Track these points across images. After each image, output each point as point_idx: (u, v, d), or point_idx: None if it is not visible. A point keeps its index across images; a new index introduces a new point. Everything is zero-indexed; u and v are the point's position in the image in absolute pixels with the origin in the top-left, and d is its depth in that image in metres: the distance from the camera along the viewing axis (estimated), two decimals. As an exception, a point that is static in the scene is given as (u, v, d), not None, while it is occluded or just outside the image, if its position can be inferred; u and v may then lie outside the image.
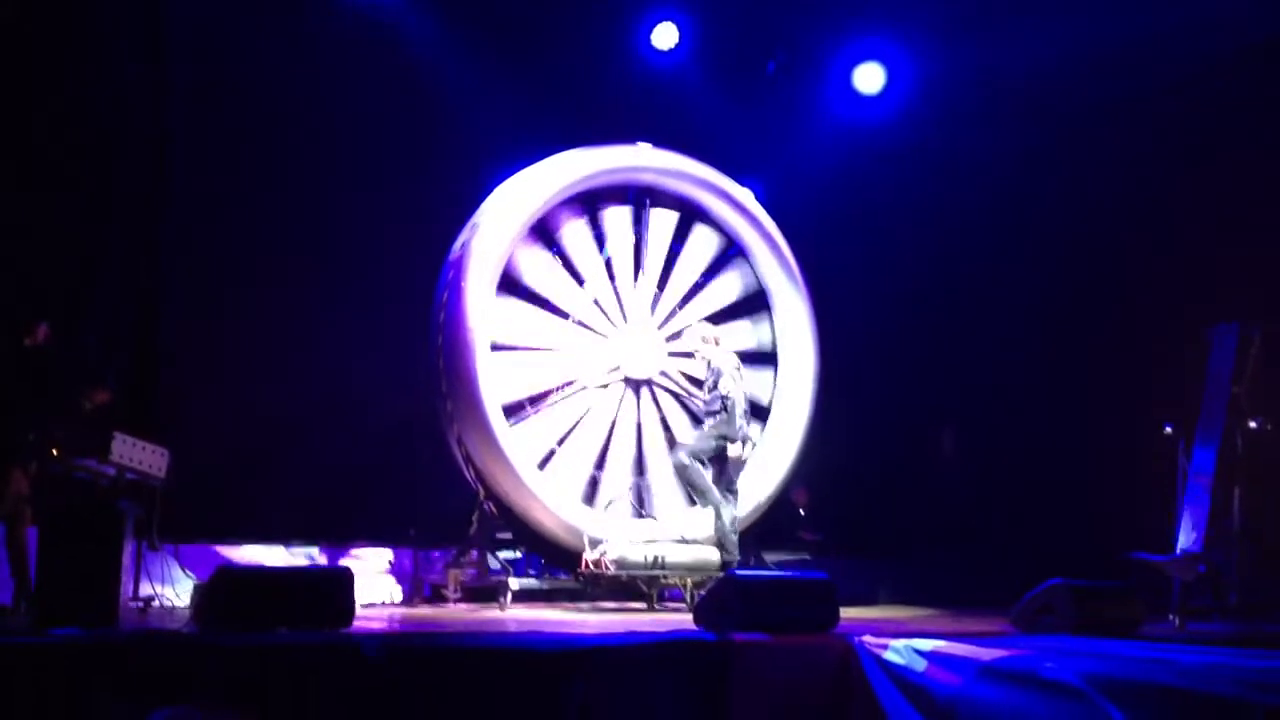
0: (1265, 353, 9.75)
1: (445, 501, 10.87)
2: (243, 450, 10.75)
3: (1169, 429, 9.88)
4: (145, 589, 9.08)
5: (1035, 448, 12.72)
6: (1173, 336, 10.88)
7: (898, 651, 6.68)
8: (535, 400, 10.62)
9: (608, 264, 11.00)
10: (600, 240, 10.99)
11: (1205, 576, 9.39)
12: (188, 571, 9.46)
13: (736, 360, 10.03)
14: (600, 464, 10.80)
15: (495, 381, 10.19)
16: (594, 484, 10.76)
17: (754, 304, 11.53)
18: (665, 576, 10.13)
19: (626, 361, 10.88)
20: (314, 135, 11.35)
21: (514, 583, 10.18)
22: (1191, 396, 9.93)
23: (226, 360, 10.95)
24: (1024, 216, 13.19)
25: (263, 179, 11.19)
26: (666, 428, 11.10)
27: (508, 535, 10.58)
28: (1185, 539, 9.52)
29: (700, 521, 10.45)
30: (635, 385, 11.00)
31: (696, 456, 9.93)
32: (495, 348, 10.30)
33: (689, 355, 10.79)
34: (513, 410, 10.42)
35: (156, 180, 10.94)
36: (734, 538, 9.95)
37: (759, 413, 11.13)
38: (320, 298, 11.20)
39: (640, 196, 11.19)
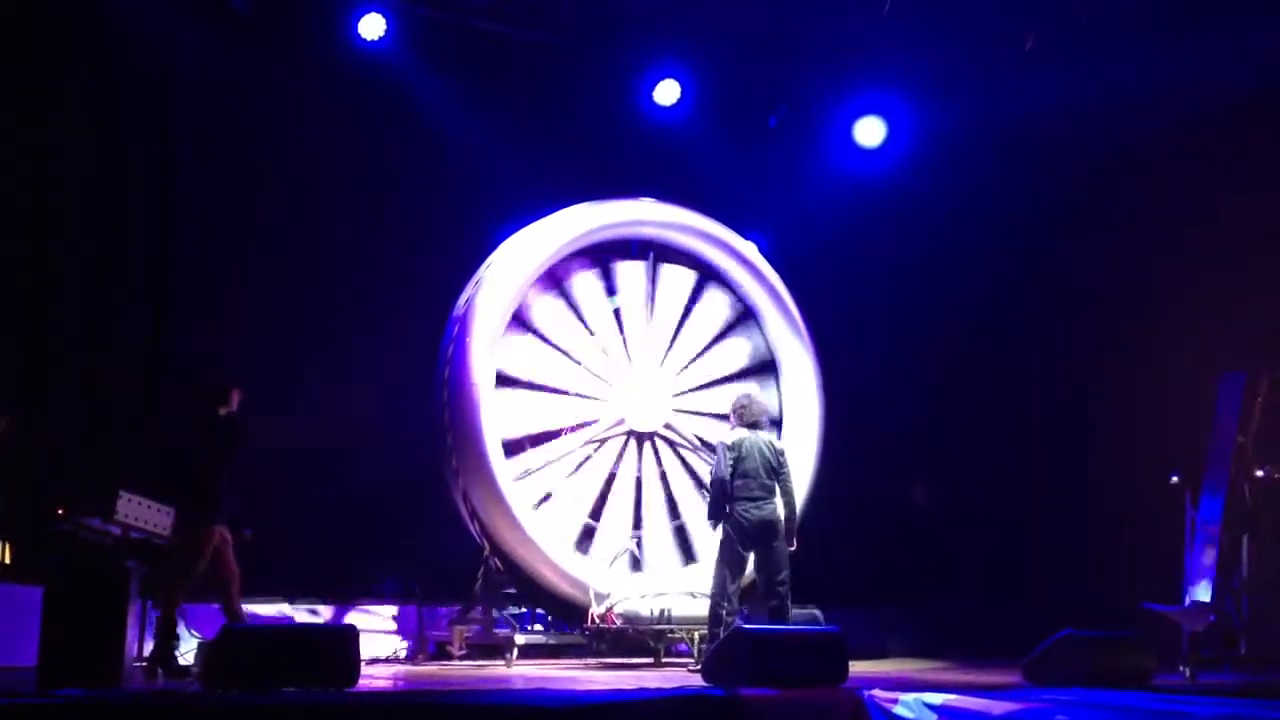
0: (1271, 400, 9.75)
1: (450, 558, 10.83)
2: (247, 508, 10.70)
3: (1175, 479, 9.87)
4: (150, 649, 9.01)
5: (1045, 498, 12.71)
6: (1179, 385, 10.88)
7: (908, 706, 6.64)
8: (541, 452, 10.63)
9: (608, 317, 11.04)
10: (577, 309, 10.99)
11: (1215, 626, 9.34)
12: (193, 631, 9.39)
13: (740, 436, 9.49)
14: (596, 515, 10.80)
15: (501, 436, 10.20)
16: (590, 533, 10.75)
17: (761, 360, 11.54)
18: (672, 631, 10.08)
19: (630, 414, 10.88)
20: (319, 192, 11.43)
21: (520, 638, 10.13)
22: (1198, 446, 9.92)
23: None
24: (1027, 266, 13.25)
25: (268, 234, 11.24)
26: (693, 475, 11.13)
27: (513, 590, 10.54)
28: (1194, 589, 9.48)
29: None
30: (640, 438, 10.98)
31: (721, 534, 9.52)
32: (501, 398, 10.32)
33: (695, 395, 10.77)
34: (519, 464, 10.43)
35: (162, 237, 11.00)
36: (719, 614, 9.25)
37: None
38: (324, 355, 11.23)
39: (643, 250, 11.24)
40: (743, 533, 9.21)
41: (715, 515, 9.35)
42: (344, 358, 11.26)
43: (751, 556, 9.35)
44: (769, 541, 9.28)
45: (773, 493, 9.40)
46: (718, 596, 9.23)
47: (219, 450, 8.74)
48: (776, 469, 9.42)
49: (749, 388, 11.31)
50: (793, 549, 9.40)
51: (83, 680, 6.77)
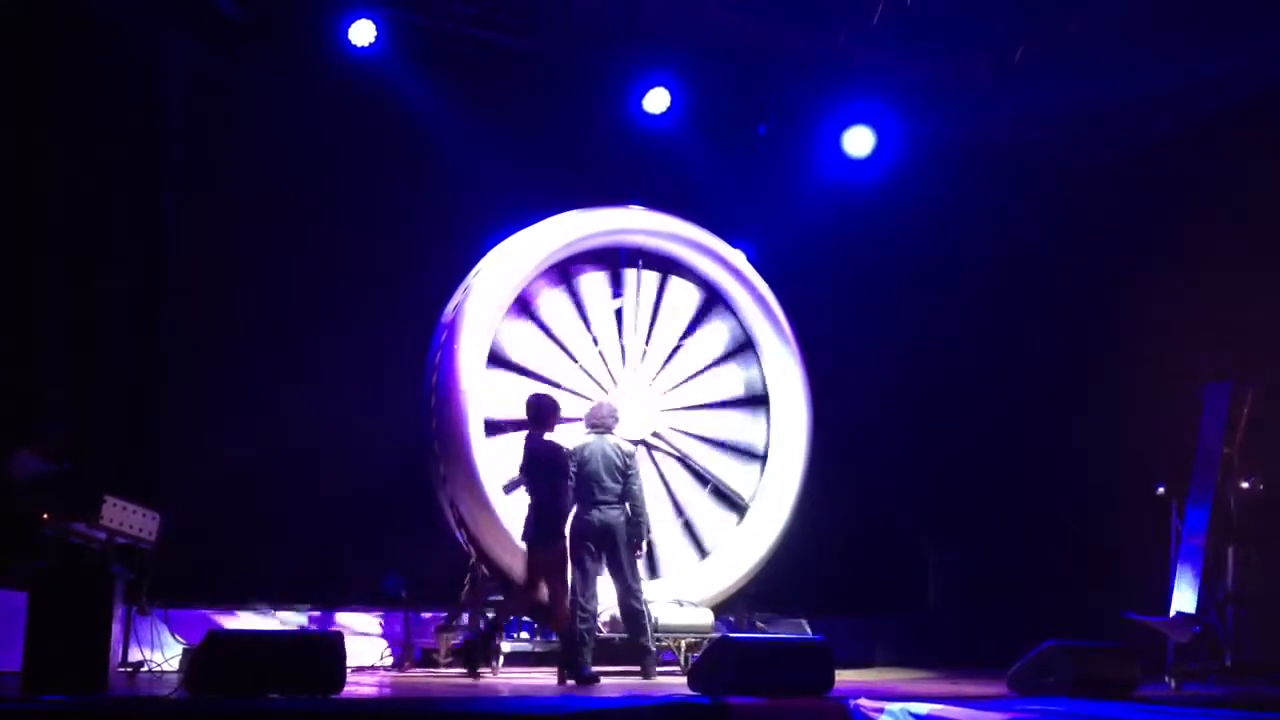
0: (1256, 411, 9.79)
1: (437, 564, 10.82)
2: (234, 514, 10.69)
3: (1161, 489, 9.90)
4: (134, 654, 8.99)
5: (1031, 508, 12.73)
6: (1166, 396, 10.92)
7: (893, 715, 6.66)
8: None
9: (608, 318, 11.05)
10: (580, 307, 11.01)
11: (1200, 637, 9.37)
12: (177, 637, 9.38)
13: (584, 441, 9.60)
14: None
15: (489, 446, 10.19)
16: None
17: (747, 373, 11.55)
18: (659, 639, 10.07)
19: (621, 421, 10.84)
20: (308, 196, 11.38)
21: (506, 646, 10.12)
22: (1184, 456, 9.96)
23: (218, 423, 10.92)
24: (1014, 276, 13.29)
25: (257, 240, 11.20)
26: (666, 486, 11.10)
27: (500, 598, 10.51)
28: (1179, 600, 9.51)
29: (698, 583, 10.44)
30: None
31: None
32: (489, 421, 10.31)
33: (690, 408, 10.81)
34: (504, 471, 10.42)
35: (151, 242, 10.96)
36: (571, 639, 9.22)
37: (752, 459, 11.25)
38: (313, 361, 11.19)
39: (633, 258, 11.25)
40: (581, 535, 9.36)
41: (571, 521, 9.45)
42: (332, 362, 11.23)
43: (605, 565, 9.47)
44: (612, 546, 9.40)
45: (616, 496, 9.48)
46: (573, 598, 9.33)
47: (535, 474, 9.21)
48: (622, 471, 9.51)
49: (735, 416, 11.34)
50: (640, 556, 9.61)
51: (68, 686, 6.75)
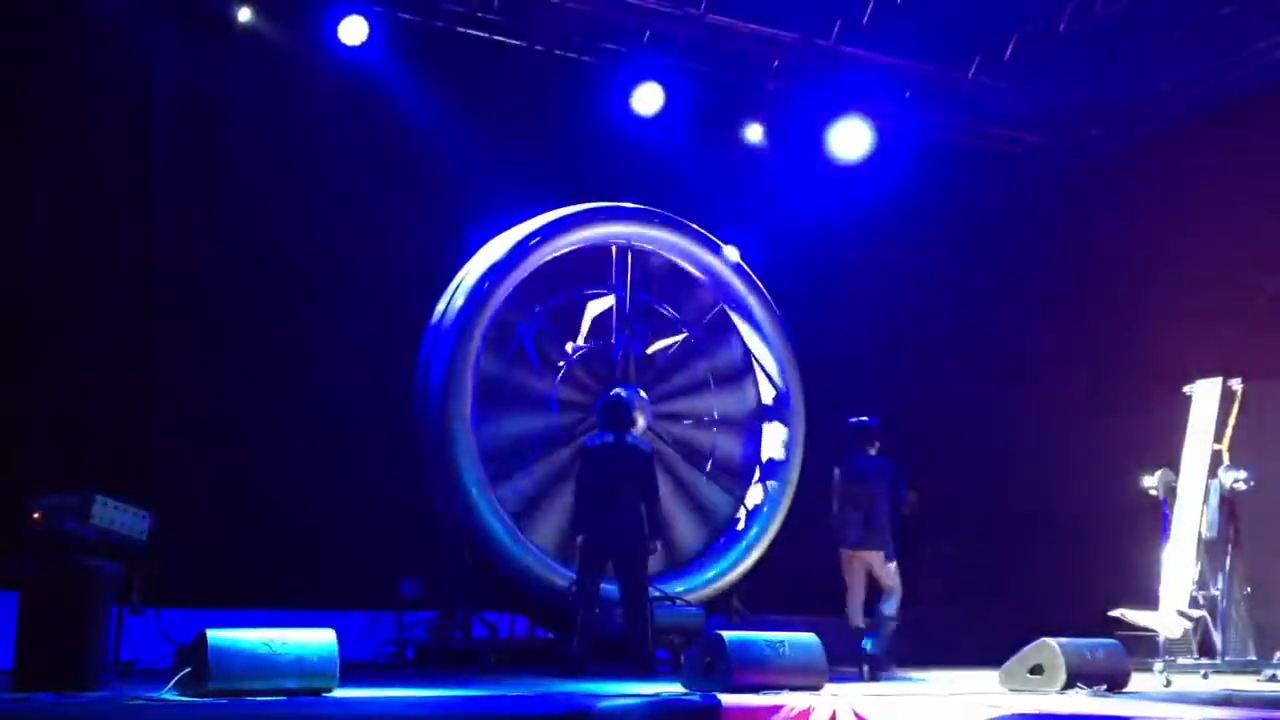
0: (1246, 407, 9.81)
1: (431, 562, 10.81)
2: (226, 513, 10.67)
3: (1153, 486, 9.91)
4: (126, 654, 8.96)
5: (1022, 505, 12.74)
6: (1157, 392, 10.94)
7: (887, 711, 6.67)
8: (520, 458, 10.62)
9: (594, 322, 11.05)
10: (584, 300, 11.04)
11: (1190, 633, 9.39)
12: (169, 636, 9.35)
13: (602, 441, 9.58)
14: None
15: (479, 442, 10.19)
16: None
17: (741, 366, 11.56)
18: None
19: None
20: (300, 195, 11.37)
21: (499, 643, 10.12)
22: (1175, 452, 9.98)
23: (210, 422, 10.90)
24: (1006, 274, 13.29)
25: (251, 239, 11.20)
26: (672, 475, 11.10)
27: (494, 595, 10.51)
28: (1171, 596, 9.52)
29: (692, 580, 10.48)
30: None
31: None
32: (479, 404, 10.31)
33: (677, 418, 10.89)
34: (497, 470, 10.43)
35: (144, 242, 10.94)
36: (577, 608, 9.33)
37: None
38: (304, 359, 11.18)
39: (623, 255, 11.24)
40: (597, 536, 9.30)
41: (580, 521, 9.46)
42: (323, 365, 11.21)
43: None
44: (621, 546, 9.33)
45: (631, 495, 9.39)
46: (578, 597, 9.32)
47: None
48: (639, 473, 9.44)
49: (723, 394, 11.37)
50: (654, 554, 9.56)
51: (58, 685, 6.74)
